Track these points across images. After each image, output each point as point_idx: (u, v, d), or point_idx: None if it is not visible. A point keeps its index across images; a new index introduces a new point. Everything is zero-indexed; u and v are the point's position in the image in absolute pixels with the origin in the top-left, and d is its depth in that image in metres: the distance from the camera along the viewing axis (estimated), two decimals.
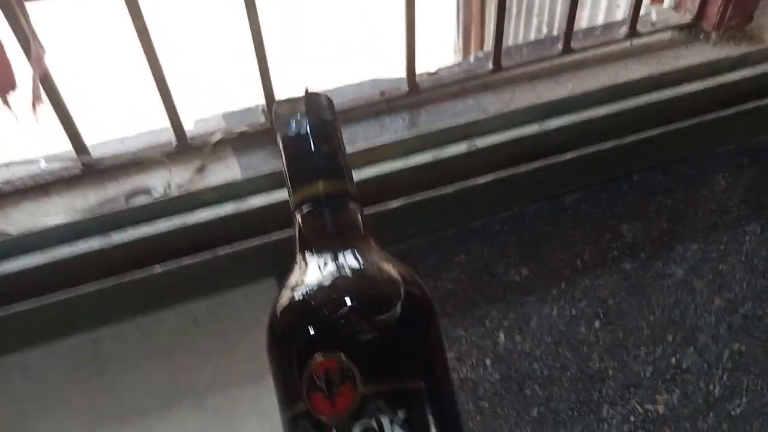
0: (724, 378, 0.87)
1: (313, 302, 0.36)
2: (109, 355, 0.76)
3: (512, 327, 0.85)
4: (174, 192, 0.71)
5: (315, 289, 0.37)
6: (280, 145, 0.41)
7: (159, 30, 0.69)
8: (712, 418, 0.85)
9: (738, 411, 0.85)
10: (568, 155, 0.80)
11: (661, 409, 0.85)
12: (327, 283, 0.37)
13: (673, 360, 0.87)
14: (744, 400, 0.87)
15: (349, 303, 0.35)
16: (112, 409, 0.76)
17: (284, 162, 0.41)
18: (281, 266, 0.83)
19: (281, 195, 0.70)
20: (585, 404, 0.84)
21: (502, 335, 0.85)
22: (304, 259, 0.40)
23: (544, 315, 0.86)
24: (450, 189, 0.78)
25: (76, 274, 0.68)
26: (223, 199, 0.72)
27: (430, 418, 0.34)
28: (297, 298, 0.37)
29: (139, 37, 0.66)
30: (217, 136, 0.77)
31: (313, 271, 0.38)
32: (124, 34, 0.74)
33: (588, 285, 0.88)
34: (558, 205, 0.90)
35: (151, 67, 0.68)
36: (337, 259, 0.38)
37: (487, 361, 0.83)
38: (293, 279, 0.39)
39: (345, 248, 0.39)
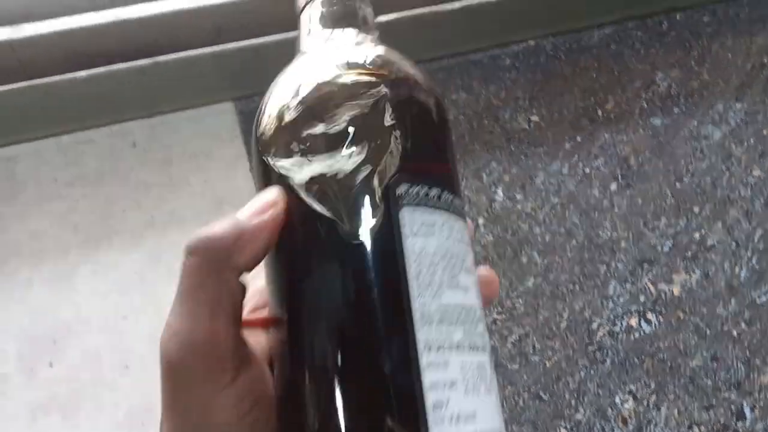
0: (753, 261, 0.75)
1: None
2: (24, 178, 0.64)
3: (513, 183, 0.72)
4: None
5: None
6: None
7: None
8: (734, 305, 0.74)
9: (764, 299, 0.74)
10: None
11: (676, 290, 0.74)
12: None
13: (696, 235, 0.75)
14: None
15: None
16: (25, 241, 0.63)
17: None
18: (242, 88, 0.70)
19: None
20: (590, 278, 0.72)
21: (500, 191, 0.72)
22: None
23: (553, 171, 0.73)
24: (455, 5, 0.64)
25: None
26: None
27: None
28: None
29: None
30: None
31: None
32: None
33: (608, 140, 0.74)
34: (583, 41, 0.75)
35: None
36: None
37: (480, 221, 0.71)
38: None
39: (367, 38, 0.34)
